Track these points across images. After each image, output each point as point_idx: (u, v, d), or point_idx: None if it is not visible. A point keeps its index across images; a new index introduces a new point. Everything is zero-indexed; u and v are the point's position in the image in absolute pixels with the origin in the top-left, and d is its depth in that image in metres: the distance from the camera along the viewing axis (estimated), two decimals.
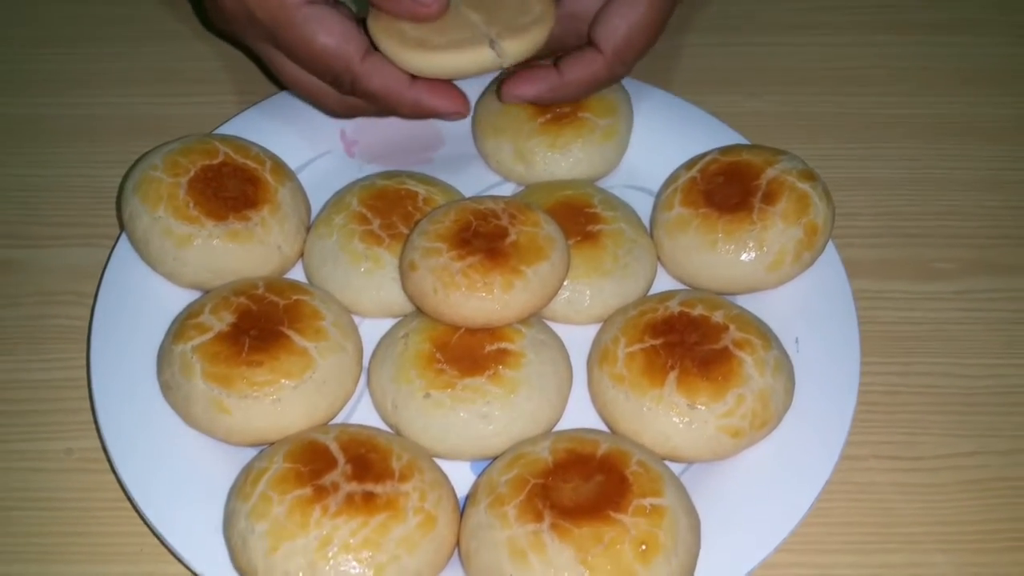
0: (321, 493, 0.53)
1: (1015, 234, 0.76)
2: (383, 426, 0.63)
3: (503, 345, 0.61)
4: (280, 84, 0.72)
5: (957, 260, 0.75)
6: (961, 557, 0.60)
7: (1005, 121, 0.83)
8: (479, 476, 0.58)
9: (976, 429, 0.66)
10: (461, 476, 0.61)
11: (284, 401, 0.59)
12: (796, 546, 0.60)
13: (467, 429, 0.59)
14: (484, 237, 0.62)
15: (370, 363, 0.65)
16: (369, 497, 0.54)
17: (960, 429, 0.66)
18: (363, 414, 0.64)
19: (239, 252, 0.66)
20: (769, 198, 0.66)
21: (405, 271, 0.63)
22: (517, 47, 0.65)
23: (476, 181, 0.75)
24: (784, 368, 0.61)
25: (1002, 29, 0.90)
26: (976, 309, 0.72)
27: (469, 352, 0.61)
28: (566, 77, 0.69)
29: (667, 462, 0.59)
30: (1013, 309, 0.72)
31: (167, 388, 0.61)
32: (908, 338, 0.70)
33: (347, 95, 0.68)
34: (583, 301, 0.66)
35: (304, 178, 0.73)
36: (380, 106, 0.68)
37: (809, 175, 0.67)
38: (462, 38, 0.65)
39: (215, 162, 0.68)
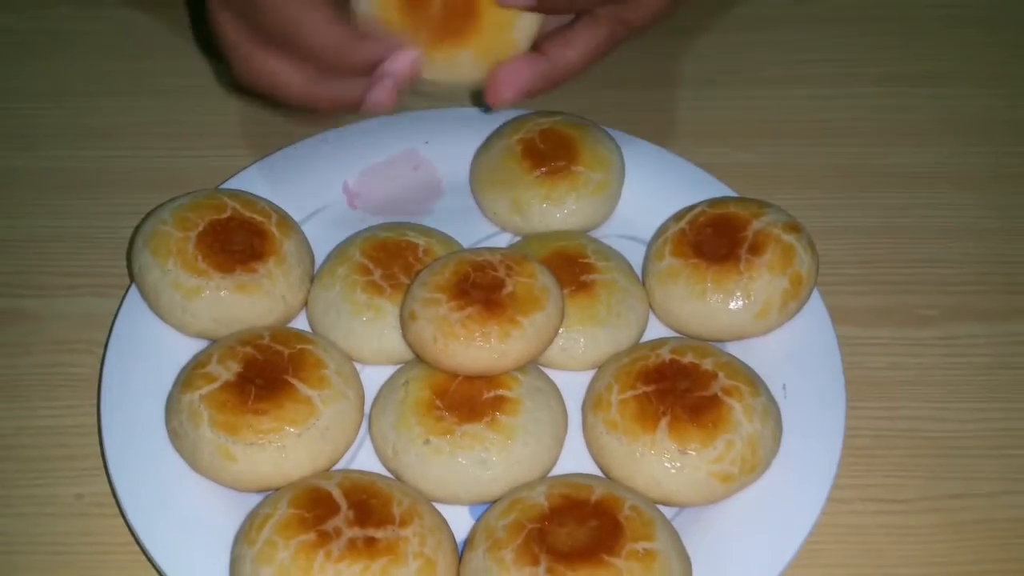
0: (324, 538, 0.55)
1: (996, 281, 0.78)
2: (384, 471, 0.65)
3: (501, 392, 0.63)
4: (238, 83, 0.68)
5: (940, 307, 0.77)
6: None
7: (983, 170, 0.86)
8: (477, 521, 0.60)
9: (961, 472, 0.68)
10: (460, 520, 0.62)
11: (288, 448, 0.61)
12: None
13: (466, 474, 0.61)
14: (482, 288, 0.64)
15: (371, 410, 0.67)
16: (371, 542, 0.55)
17: (945, 472, 0.68)
18: (365, 459, 0.66)
19: (245, 303, 0.68)
20: (756, 249, 0.68)
21: (406, 321, 0.66)
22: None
23: (474, 231, 0.78)
24: (772, 414, 0.63)
25: (978, 81, 0.93)
26: (959, 355, 0.74)
27: (468, 399, 0.63)
28: (556, 58, 0.63)
29: (659, 506, 0.60)
30: (995, 354, 0.74)
31: (175, 436, 0.63)
32: (893, 383, 0.72)
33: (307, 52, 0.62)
34: (578, 349, 0.68)
35: (308, 230, 0.76)
36: (331, 59, 0.62)
37: (794, 227, 0.70)
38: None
39: (223, 216, 0.70)
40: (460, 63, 0.64)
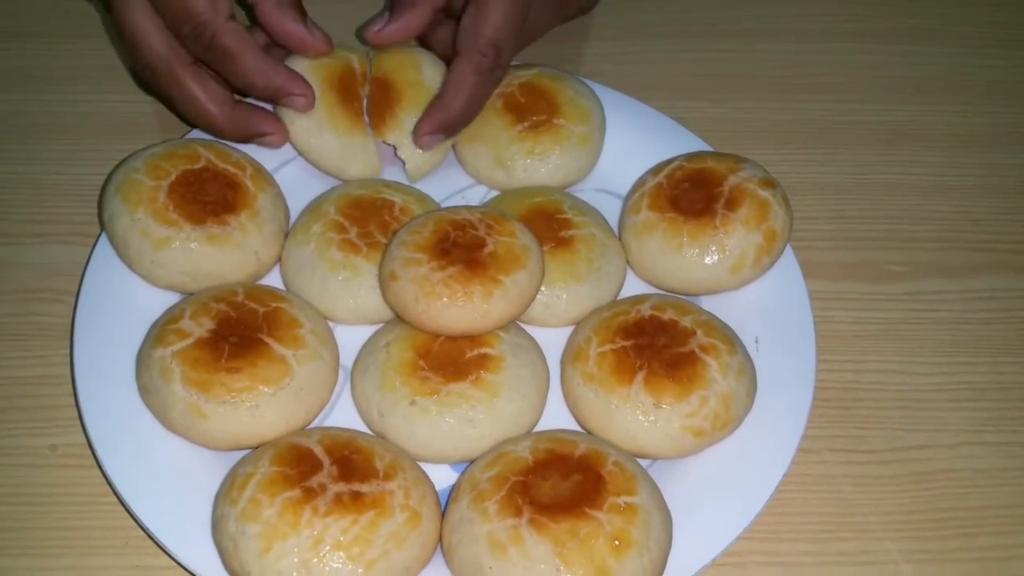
0: (310, 494, 0.55)
1: (963, 238, 0.80)
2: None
3: (483, 350, 0.63)
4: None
5: (909, 263, 0.78)
6: (910, 544, 0.64)
7: (953, 128, 0.87)
8: (462, 474, 0.61)
9: (925, 424, 0.70)
10: (444, 476, 0.63)
11: (262, 408, 0.61)
12: (756, 535, 0.63)
13: (453, 434, 0.61)
14: (463, 247, 0.64)
15: (353, 373, 0.66)
16: (357, 496, 0.56)
17: (910, 424, 0.70)
18: (339, 420, 0.65)
19: (216, 256, 0.67)
20: (731, 204, 0.69)
21: (386, 281, 0.65)
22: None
23: (449, 184, 0.77)
24: (747, 373, 0.64)
25: (951, 40, 0.93)
26: (927, 310, 0.76)
27: (451, 358, 0.63)
28: (444, 98, 0.72)
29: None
30: (961, 310, 0.76)
31: (146, 392, 0.62)
32: (862, 337, 0.74)
33: (203, 51, 0.69)
34: (559, 305, 0.68)
35: (281, 178, 0.75)
36: (231, 68, 0.69)
37: (769, 182, 0.70)
38: None
39: (196, 167, 0.69)
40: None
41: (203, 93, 0.70)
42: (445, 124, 0.72)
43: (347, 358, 0.67)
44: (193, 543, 0.58)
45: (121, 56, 0.87)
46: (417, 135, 0.73)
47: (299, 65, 0.73)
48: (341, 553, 0.54)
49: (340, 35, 0.76)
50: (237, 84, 0.71)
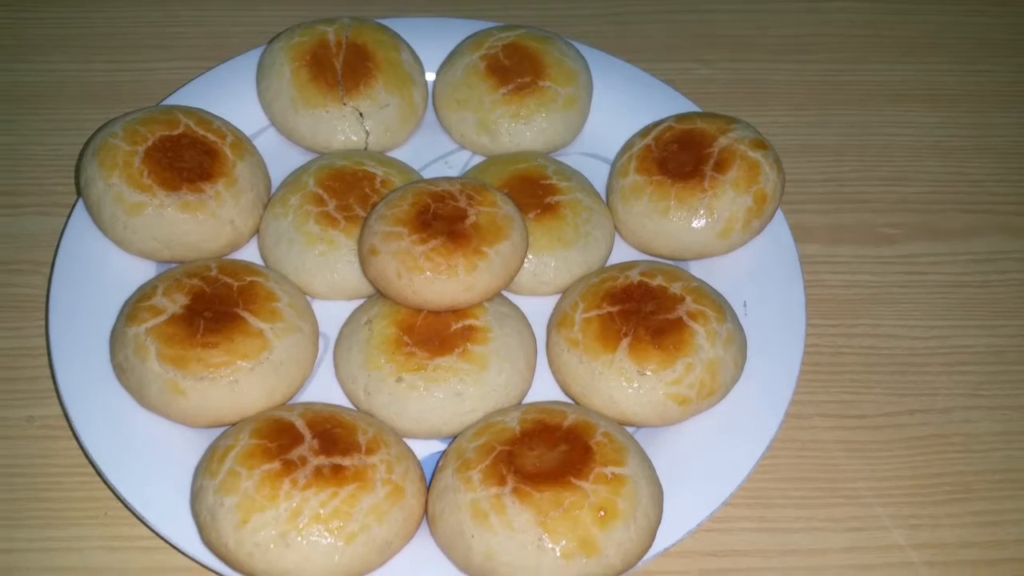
0: (289, 467, 0.54)
1: (958, 200, 0.79)
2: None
3: (468, 322, 0.62)
4: None
5: (901, 225, 0.77)
6: (901, 510, 0.63)
7: (947, 88, 0.86)
8: (449, 444, 0.60)
9: (917, 389, 0.69)
10: (433, 451, 0.62)
11: (241, 383, 0.59)
12: (744, 500, 0.62)
13: (443, 409, 0.60)
14: (444, 219, 0.62)
15: (335, 352, 0.65)
16: (337, 470, 0.55)
17: (902, 389, 0.69)
18: (319, 396, 0.64)
19: (190, 223, 0.65)
20: (720, 166, 0.67)
21: (366, 256, 0.63)
22: None
23: (431, 150, 0.76)
24: (736, 342, 0.62)
25: None
26: (919, 272, 0.75)
27: (436, 332, 0.62)
28: None
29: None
30: (954, 272, 0.75)
31: (120, 371, 0.61)
32: (853, 301, 0.73)
33: None
34: (548, 273, 0.67)
35: (260, 144, 0.73)
36: None
37: (760, 144, 0.69)
38: None
39: (175, 133, 0.67)
40: None
41: None
42: None
43: (326, 327, 0.66)
44: (171, 515, 0.57)
45: (96, 24, 0.85)
46: None
47: (273, 50, 0.73)
48: (320, 526, 0.53)
49: (324, 9, 0.74)
50: None
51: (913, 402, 0.68)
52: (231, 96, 0.75)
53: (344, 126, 0.72)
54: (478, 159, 0.75)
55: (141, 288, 0.64)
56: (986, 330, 0.72)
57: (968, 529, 0.63)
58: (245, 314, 0.61)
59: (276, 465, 0.54)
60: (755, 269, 0.68)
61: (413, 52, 0.76)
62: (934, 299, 0.73)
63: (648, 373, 0.60)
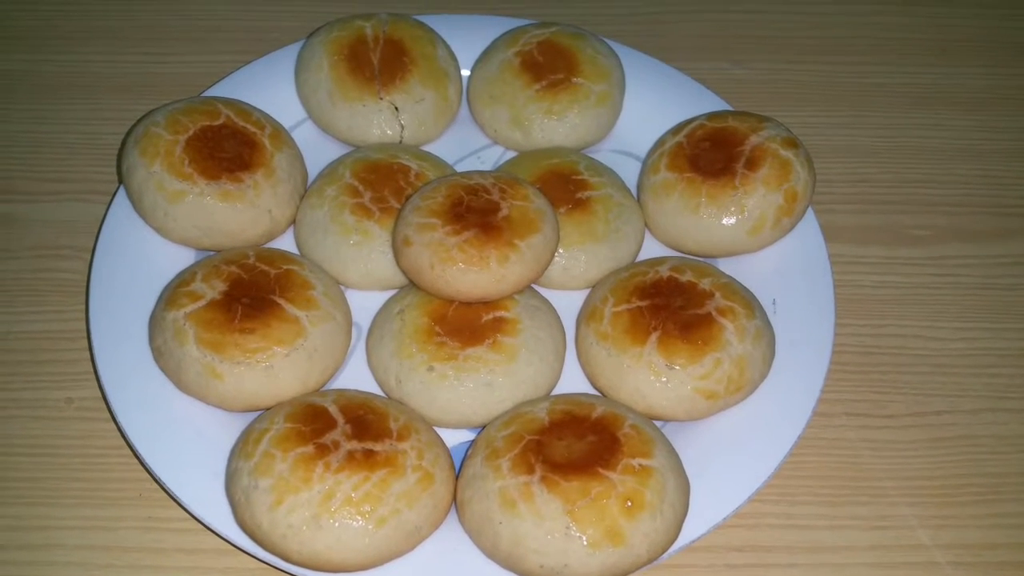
0: (323, 451, 0.55)
1: (987, 202, 0.79)
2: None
3: (499, 314, 0.63)
4: None
5: (931, 227, 0.77)
6: (927, 510, 0.63)
7: (978, 91, 0.85)
8: (479, 433, 0.60)
9: (945, 389, 0.69)
10: (463, 437, 0.62)
11: (276, 368, 0.60)
12: (769, 497, 0.63)
13: (473, 398, 0.61)
14: (477, 212, 0.63)
15: (368, 341, 0.66)
16: (369, 454, 0.56)
17: (930, 389, 0.69)
18: (351, 380, 0.65)
19: (229, 212, 0.67)
20: (752, 164, 0.68)
21: (399, 247, 0.64)
22: None
23: (465, 145, 0.77)
24: (765, 338, 0.63)
25: (976, 0, 0.91)
26: (948, 274, 0.75)
27: (467, 323, 0.62)
28: None
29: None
30: (984, 275, 0.75)
31: (159, 354, 0.62)
32: (882, 301, 0.73)
33: None
34: (578, 267, 0.68)
35: (298, 136, 0.74)
36: None
37: (792, 142, 0.69)
38: None
39: (216, 123, 0.69)
40: None
41: None
42: None
43: (359, 316, 0.67)
44: (205, 496, 0.58)
45: (138, 17, 0.87)
46: None
47: (312, 44, 0.74)
48: (351, 509, 0.54)
49: (363, 5, 0.75)
50: None
51: (941, 403, 0.68)
52: (270, 89, 0.77)
53: (380, 120, 0.73)
54: (510, 155, 0.76)
55: (180, 274, 0.65)
56: (1015, 332, 0.72)
57: (994, 531, 0.63)
58: (281, 301, 0.62)
59: (310, 448, 0.55)
60: (785, 267, 0.69)
61: (448, 48, 0.77)
62: (963, 301, 0.73)
63: (676, 367, 0.60)
